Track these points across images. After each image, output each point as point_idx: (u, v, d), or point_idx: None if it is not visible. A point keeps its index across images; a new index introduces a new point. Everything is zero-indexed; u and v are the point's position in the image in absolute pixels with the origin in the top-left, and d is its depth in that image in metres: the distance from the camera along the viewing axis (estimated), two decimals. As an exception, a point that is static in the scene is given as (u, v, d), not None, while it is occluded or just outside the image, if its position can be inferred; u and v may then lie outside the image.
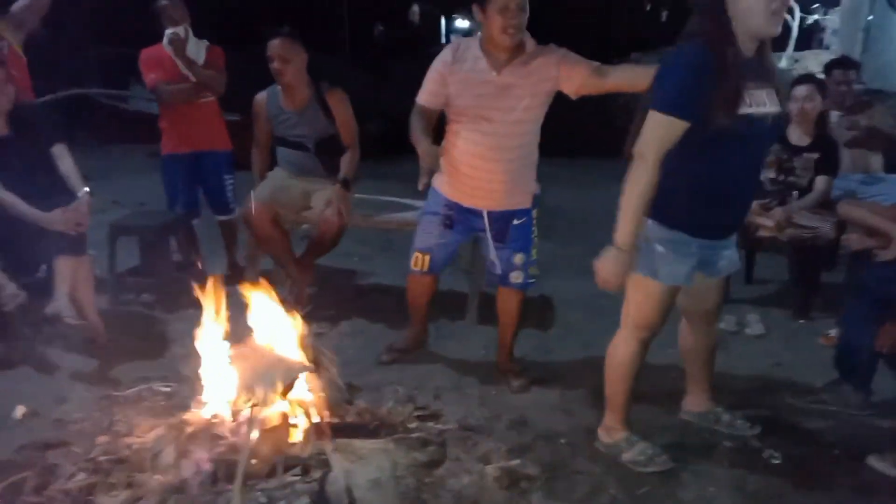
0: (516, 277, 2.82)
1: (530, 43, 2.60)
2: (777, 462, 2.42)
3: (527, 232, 2.79)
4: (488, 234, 2.76)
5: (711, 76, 1.92)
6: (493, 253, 2.80)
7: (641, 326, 2.29)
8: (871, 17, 13.91)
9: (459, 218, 2.79)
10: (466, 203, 2.74)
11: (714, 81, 1.91)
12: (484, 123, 2.59)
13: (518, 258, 2.79)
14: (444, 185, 2.79)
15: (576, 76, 2.58)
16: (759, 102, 2.02)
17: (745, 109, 1.96)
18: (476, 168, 2.65)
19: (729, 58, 1.93)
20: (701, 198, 2.09)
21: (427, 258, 2.86)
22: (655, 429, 2.60)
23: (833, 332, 3.39)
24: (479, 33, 2.66)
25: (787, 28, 17.07)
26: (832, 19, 18.00)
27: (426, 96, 2.68)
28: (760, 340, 3.45)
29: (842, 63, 4.36)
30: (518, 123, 2.62)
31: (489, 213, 2.73)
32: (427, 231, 2.86)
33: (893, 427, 2.62)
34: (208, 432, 2.12)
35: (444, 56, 2.64)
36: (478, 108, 2.58)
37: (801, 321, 3.60)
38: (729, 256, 2.36)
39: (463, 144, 2.66)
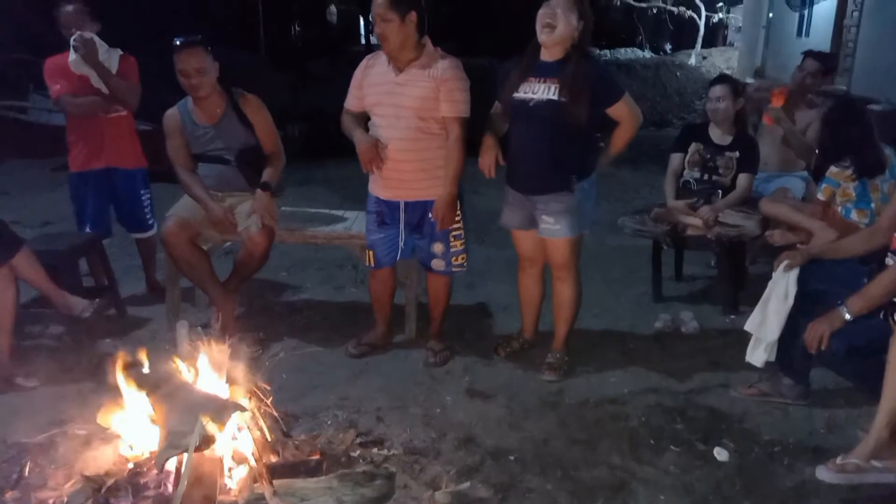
0: (437, 265, 3.10)
1: (430, 48, 2.89)
2: (724, 460, 2.45)
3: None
4: (401, 224, 3.01)
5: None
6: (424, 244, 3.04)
7: None
8: (770, 15, 14.68)
9: (388, 213, 3.05)
10: (385, 196, 3.01)
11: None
12: (390, 118, 2.87)
13: (437, 247, 3.04)
14: (371, 184, 3.09)
15: (444, 108, 2.84)
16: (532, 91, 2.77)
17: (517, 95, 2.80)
18: (389, 159, 2.91)
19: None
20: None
21: (372, 254, 3.14)
22: (602, 437, 2.58)
23: (762, 327, 3.47)
24: None
25: (694, 27, 17.85)
26: (735, 17, 18.93)
27: (350, 100, 3.05)
28: (696, 338, 3.50)
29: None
30: (414, 119, 2.84)
31: (405, 203, 2.98)
32: (369, 229, 3.13)
33: (830, 419, 2.70)
34: (131, 483, 1.93)
35: (361, 64, 3.04)
36: (381, 106, 2.90)
37: (732, 316, 3.68)
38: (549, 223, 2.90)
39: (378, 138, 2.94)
